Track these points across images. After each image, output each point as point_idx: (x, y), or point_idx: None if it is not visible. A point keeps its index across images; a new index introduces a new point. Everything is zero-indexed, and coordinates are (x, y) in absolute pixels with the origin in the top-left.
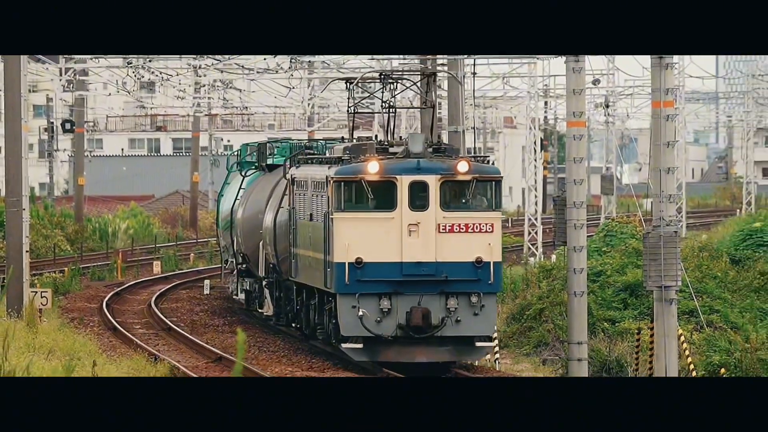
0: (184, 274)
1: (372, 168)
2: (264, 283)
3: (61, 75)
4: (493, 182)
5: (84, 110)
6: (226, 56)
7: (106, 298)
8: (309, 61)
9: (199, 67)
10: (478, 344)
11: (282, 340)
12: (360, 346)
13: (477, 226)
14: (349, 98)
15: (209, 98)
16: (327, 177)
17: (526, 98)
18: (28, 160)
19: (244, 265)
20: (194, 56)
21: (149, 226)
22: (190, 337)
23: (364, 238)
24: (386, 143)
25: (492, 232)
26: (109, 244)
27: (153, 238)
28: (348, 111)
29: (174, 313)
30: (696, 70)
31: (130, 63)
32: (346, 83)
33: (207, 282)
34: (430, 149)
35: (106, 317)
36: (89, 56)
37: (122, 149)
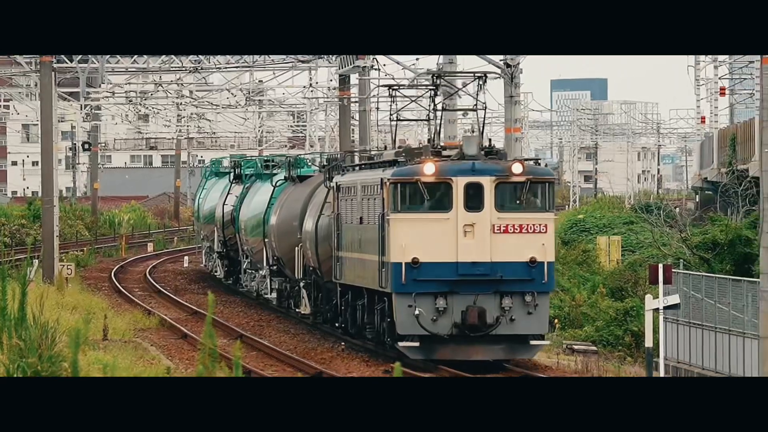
0: (170, 252)
1: (428, 169)
2: (302, 284)
3: (81, 109)
4: (547, 183)
5: (98, 134)
6: (201, 96)
7: (114, 270)
8: (259, 100)
9: (180, 104)
10: (533, 342)
11: (236, 298)
12: (416, 344)
13: (531, 227)
14: (391, 104)
15: (188, 126)
16: (382, 179)
17: (414, 125)
18: (58, 170)
19: (275, 267)
20: (177, 97)
21: (145, 218)
22: (174, 297)
23: (420, 239)
24: (439, 146)
25: (545, 232)
26: (116, 231)
27: (147, 226)
28: (390, 118)
29: (162, 280)
30: (537, 105)
31: (131, 101)
32: (388, 89)
33: (186, 258)
34: (482, 152)
35: (114, 283)
36: (102, 95)
37: (125, 163)
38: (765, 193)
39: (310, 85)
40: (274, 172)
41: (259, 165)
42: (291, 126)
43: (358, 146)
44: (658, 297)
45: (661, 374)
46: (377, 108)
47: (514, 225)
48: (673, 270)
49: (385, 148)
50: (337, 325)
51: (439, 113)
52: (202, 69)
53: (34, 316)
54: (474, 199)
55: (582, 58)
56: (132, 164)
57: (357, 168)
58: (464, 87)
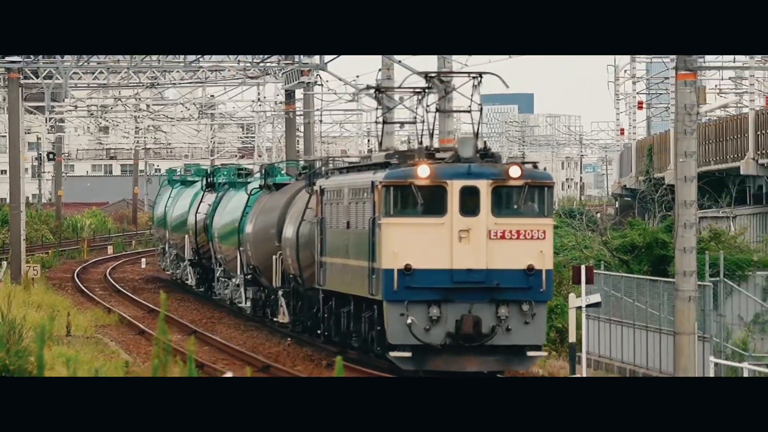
0: (128, 255)
1: (422, 172)
2: (280, 292)
3: (46, 122)
4: (545, 188)
5: (62, 145)
6: (157, 110)
7: (77, 271)
8: (211, 113)
9: (138, 117)
10: (529, 353)
11: (189, 296)
12: (408, 354)
13: (529, 233)
14: (377, 108)
15: (145, 137)
16: (373, 182)
17: (354, 137)
18: (24, 179)
19: (250, 275)
20: (135, 110)
21: (105, 223)
22: (132, 296)
23: (413, 245)
24: (432, 149)
25: (544, 239)
26: (78, 234)
27: (108, 230)
28: (376, 121)
29: (122, 280)
30: (467, 118)
31: (93, 114)
32: (375, 91)
33: (143, 260)
34: (478, 154)
35: (77, 283)
36: (65, 109)
37: (87, 171)
38: (679, 200)
39: (258, 99)
40: (248, 180)
41: (232, 174)
42: (240, 137)
43: (303, 156)
44: (580, 296)
45: (583, 368)
46: (320, 120)
47: (511, 231)
48: (594, 271)
49: (370, 151)
50: (318, 333)
51: (431, 114)
52: (158, 85)
53: (3, 314)
54: (470, 203)
55: (511, 74)
56: (93, 173)
57: (344, 171)
58: (455, 89)
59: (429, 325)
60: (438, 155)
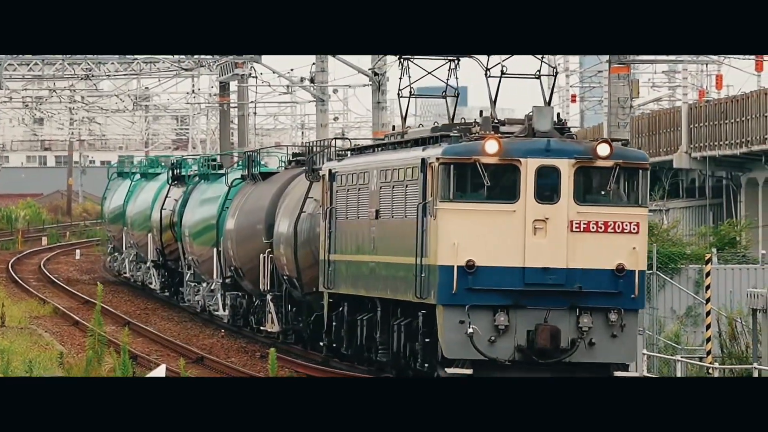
0: (63, 246)
1: (490, 147)
2: (269, 297)
3: None
4: (640, 170)
5: None
6: (92, 102)
7: (11, 261)
8: (146, 105)
9: (73, 109)
10: (616, 374)
11: (123, 288)
12: (469, 372)
13: (619, 225)
14: (401, 78)
15: (79, 129)
16: (424, 160)
17: (289, 129)
18: None
19: (230, 279)
20: (70, 102)
21: (39, 214)
22: (67, 287)
23: (477, 236)
24: (497, 120)
25: (637, 233)
26: (13, 225)
27: (42, 222)
28: (399, 93)
29: (56, 271)
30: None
31: (27, 105)
32: (399, 60)
33: (78, 251)
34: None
35: (11, 274)
36: (0, 98)
37: (22, 163)
38: None
39: (193, 91)
40: (223, 172)
41: (202, 164)
42: (175, 129)
43: (237, 148)
44: None
45: None
46: (255, 113)
47: (597, 222)
48: None
49: (393, 128)
50: (322, 343)
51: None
52: (93, 76)
53: None
54: (548, 187)
55: (444, 67)
56: (28, 164)
57: (367, 151)
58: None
59: (495, 335)
60: (503, 129)
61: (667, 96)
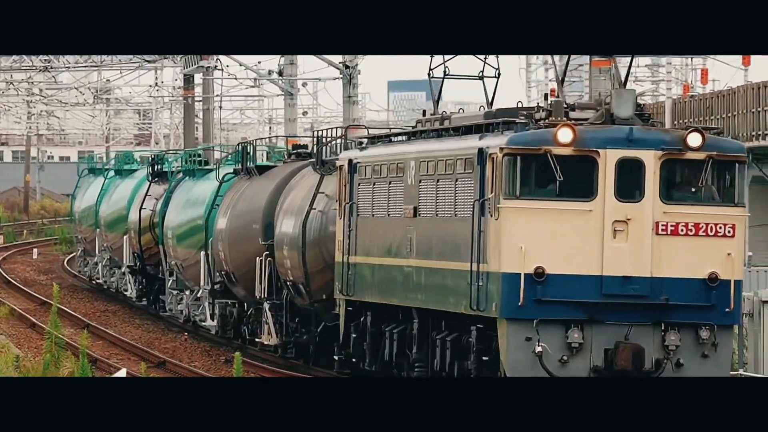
0: (20, 245)
1: (563, 136)
2: (266, 305)
3: None
4: (737, 164)
5: None
6: (51, 95)
7: None
8: (107, 98)
9: (31, 102)
10: None
11: (83, 288)
12: None
13: (712, 228)
14: (432, 57)
15: (37, 123)
16: (483, 150)
17: (256, 124)
18: None
19: (220, 285)
20: (28, 95)
21: None
22: (24, 288)
23: (548, 240)
24: (568, 104)
25: (733, 236)
26: None
27: None
28: (431, 73)
29: (13, 271)
30: (374, 105)
31: None
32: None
33: (35, 250)
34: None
35: None
36: None
37: None
38: None
39: (156, 84)
40: (211, 167)
41: (186, 160)
42: (137, 124)
43: (202, 144)
44: None
45: None
46: (220, 107)
47: (687, 224)
48: None
49: (424, 114)
50: (337, 358)
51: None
52: (52, 68)
53: None
54: (630, 182)
55: (419, 60)
56: None
57: (401, 138)
58: None
59: (567, 355)
60: (573, 115)
61: (650, 91)
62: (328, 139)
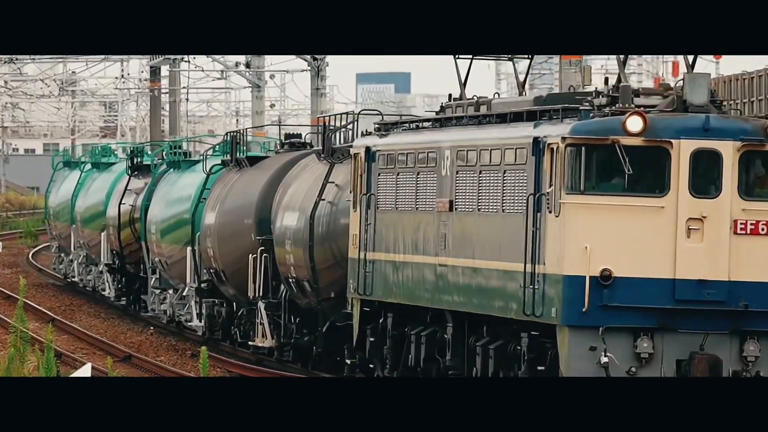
0: None
1: (633, 125)
2: (262, 305)
3: None
4: None
5: None
6: (15, 86)
7: None
8: (72, 90)
9: None
10: None
11: (48, 281)
12: None
13: None
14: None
15: (2, 115)
16: (539, 139)
17: (222, 117)
18: None
19: (207, 284)
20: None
21: None
22: None
23: (615, 239)
24: (633, 89)
25: None
26: None
27: None
28: (455, 57)
29: None
30: (342, 98)
31: None
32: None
33: (0, 243)
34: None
35: None
36: None
37: None
38: None
39: (122, 76)
40: (197, 158)
41: (168, 151)
42: (103, 116)
43: (168, 136)
44: None
45: None
46: (187, 99)
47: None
48: None
49: (449, 98)
50: (349, 362)
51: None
52: (16, 59)
53: None
54: (706, 176)
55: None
56: None
57: (431, 125)
58: None
59: (636, 366)
60: (637, 101)
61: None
62: (339, 126)
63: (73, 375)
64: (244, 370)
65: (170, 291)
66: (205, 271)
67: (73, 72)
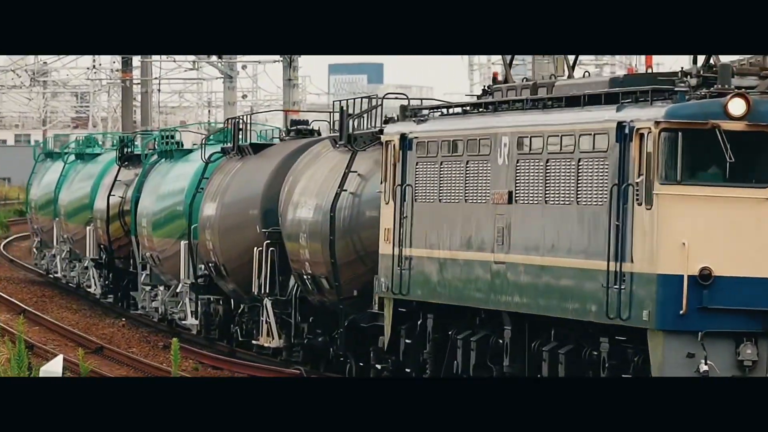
0: None
1: (735, 107)
2: (268, 302)
3: None
4: None
5: None
6: None
7: None
8: (44, 81)
9: None
10: None
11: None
12: None
13: None
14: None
15: None
16: (624, 124)
17: (195, 108)
18: None
19: (204, 279)
20: None
21: None
22: None
23: (715, 234)
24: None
25: None
26: None
27: None
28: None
29: None
30: (314, 89)
31: None
32: None
33: None
34: None
35: None
36: None
37: None
38: None
39: (94, 67)
40: (192, 147)
41: (158, 141)
42: (74, 107)
43: (140, 127)
44: None
45: None
46: (158, 90)
47: None
48: None
49: (494, 80)
50: (380, 366)
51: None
52: None
53: None
54: None
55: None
56: None
57: (481, 109)
58: None
59: (738, 374)
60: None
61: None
62: (362, 111)
63: (44, 367)
64: (217, 362)
65: (161, 288)
66: (202, 265)
67: (44, 62)
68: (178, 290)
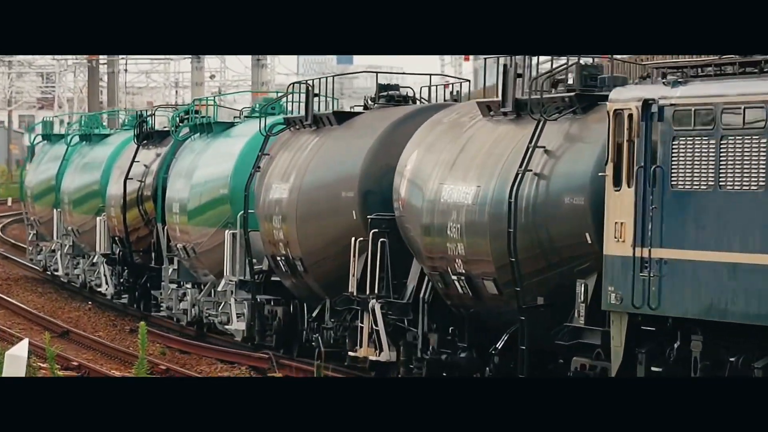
0: None
1: None
2: (377, 306)
3: None
4: None
5: None
6: None
7: None
8: (9, 61)
9: None
10: None
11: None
12: None
13: None
14: None
15: None
16: None
17: (162, 88)
18: None
19: (260, 276)
20: None
21: None
22: None
23: None
24: None
25: None
26: None
27: None
28: None
29: None
30: (283, 69)
31: None
32: None
33: None
34: None
35: None
36: None
37: None
38: None
39: None
40: (235, 120)
41: (190, 114)
42: (40, 87)
43: (107, 108)
44: None
45: None
46: (125, 70)
47: None
48: None
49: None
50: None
51: None
52: None
53: None
54: None
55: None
56: None
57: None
58: None
59: None
60: None
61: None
62: (551, 70)
63: (9, 352)
64: (184, 345)
65: (189, 286)
66: (269, 259)
67: None
68: (220, 288)
